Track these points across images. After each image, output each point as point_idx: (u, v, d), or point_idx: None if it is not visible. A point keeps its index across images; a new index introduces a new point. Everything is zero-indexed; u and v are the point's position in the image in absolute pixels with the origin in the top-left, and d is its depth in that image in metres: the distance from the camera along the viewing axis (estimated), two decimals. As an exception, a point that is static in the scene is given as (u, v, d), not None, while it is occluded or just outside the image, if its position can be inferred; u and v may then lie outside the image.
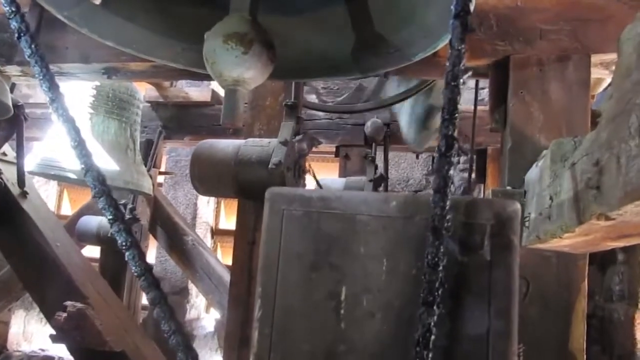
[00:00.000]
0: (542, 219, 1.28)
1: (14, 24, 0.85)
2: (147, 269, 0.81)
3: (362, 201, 0.81)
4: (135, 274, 0.81)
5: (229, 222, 5.67)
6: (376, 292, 0.78)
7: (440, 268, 0.66)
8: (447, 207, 0.67)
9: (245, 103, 2.11)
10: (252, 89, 1.27)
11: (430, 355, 0.65)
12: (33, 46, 0.85)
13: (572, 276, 1.64)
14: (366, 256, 0.79)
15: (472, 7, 0.69)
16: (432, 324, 0.65)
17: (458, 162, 4.55)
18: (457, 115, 0.68)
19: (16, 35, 0.87)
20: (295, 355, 0.78)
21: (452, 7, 0.69)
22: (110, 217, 0.83)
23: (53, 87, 0.85)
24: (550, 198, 1.21)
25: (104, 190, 0.84)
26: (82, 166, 0.84)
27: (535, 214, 1.42)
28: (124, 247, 0.83)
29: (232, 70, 1.18)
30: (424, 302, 0.66)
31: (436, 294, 0.66)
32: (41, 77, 0.86)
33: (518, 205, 0.77)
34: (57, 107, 0.87)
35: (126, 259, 0.82)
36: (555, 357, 1.60)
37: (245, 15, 1.22)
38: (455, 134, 0.68)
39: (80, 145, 0.83)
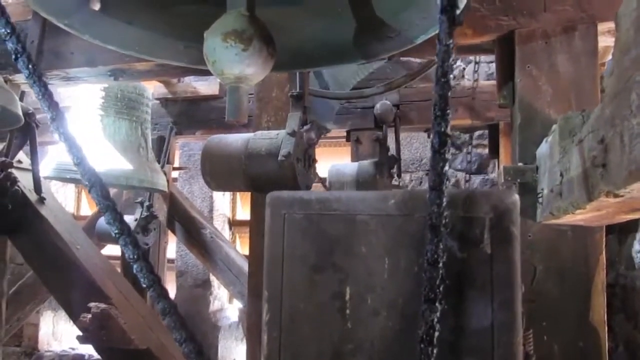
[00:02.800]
0: (554, 196, 1.28)
1: (10, 46, 0.86)
2: (156, 280, 0.82)
3: (360, 201, 0.81)
4: (144, 285, 0.82)
5: (245, 212, 5.70)
6: (380, 290, 0.78)
7: (440, 265, 0.66)
8: (444, 204, 0.67)
9: (251, 94, 2.10)
10: (254, 84, 1.27)
11: (434, 351, 0.65)
12: (30, 66, 0.86)
13: (589, 249, 1.63)
14: (368, 255, 0.79)
15: (461, 3, 0.68)
16: (435, 320, 0.65)
17: (471, 138, 4.53)
18: (449, 111, 0.67)
19: (13, 56, 0.87)
20: (304, 356, 0.78)
21: (438, 1, 0.68)
22: (117, 231, 0.84)
23: (52, 106, 0.86)
24: (561, 174, 1.20)
25: (108, 205, 0.85)
26: (86, 183, 0.85)
27: (548, 190, 1.41)
28: (131, 260, 0.84)
29: (233, 68, 1.18)
30: (425, 299, 0.66)
31: (437, 290, 0.66)
32: (40, 97, 0.87)
33: (516, 196, 0.76)
34: (57, 125, 0.88)
35: (134, 271, 0.83)
36: (577, 331, 1.60)
37: (242, 11, 1.21)
38: (448, 130, 0.67)
39: (82, 163, 0.84)
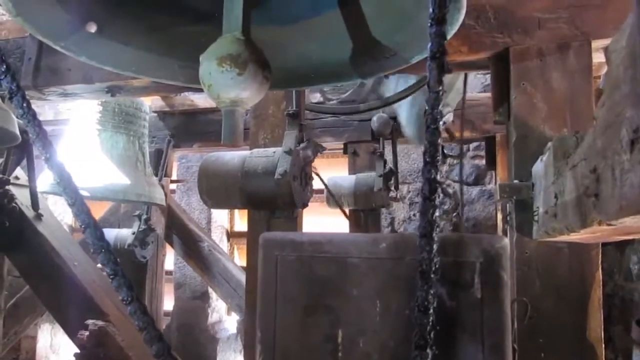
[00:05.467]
0: (549, 217, 1.28)
1: (4, 84, 0.86)
2: (150, 322, 0.82)
3: (352, 244, 0.82)
4: (137, 327, 0.82)
5: (243, 224, 5.70)
6: (371, 333, 0.79)
7: (431, 311, 0.67)
8: (434, 251, 0.67)
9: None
10: (249, 107, 1.28)
11: (425, 396, 0.65)
12: (25, 105, 0.86)
13: (586, 266, 1.63)
14: (359, 298, 0.79)
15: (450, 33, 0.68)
16: None
17: (468, 150, 4.53)
18: (439, 158, 0.68)
19: (8, 96, 0.88)
20: (297, 400, 0.78)
21: (428, 48, 0.69)
22: (111, 272, 0.84)
23: (47, 146, 0.86)
24: (555, 196, 1.20)
25: (102, 246, 0.85)
26: (80, 223, 0.85)
27: (543, 209, 1.42)
28: (125, 302, 0.84)
29: (229, 92, 1.18)
30: (416, 346, 0.66)
31: (428, 337, 0.66)
32: (35, 137, 0.87)
33: (506, 241, 0.77)
34: (52, 165, 0.88)
35: (128, 312, 0.84)
36: (573, 349, 1.60)
37: (238, 35, 1.22)
38: (439, 177, 0.67)
39: (77, 203, 0.84)
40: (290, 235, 0.92)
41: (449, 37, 1.32)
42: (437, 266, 0.68)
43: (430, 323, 0.67)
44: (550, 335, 1.62)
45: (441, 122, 0.66)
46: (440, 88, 0.68)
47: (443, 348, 0.71)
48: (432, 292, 0.67)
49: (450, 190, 4.52)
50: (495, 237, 0.76)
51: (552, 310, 1.63)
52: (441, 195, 0.70)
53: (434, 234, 0.68)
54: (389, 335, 0.77)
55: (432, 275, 0.67)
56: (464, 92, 2.47)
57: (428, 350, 0.66)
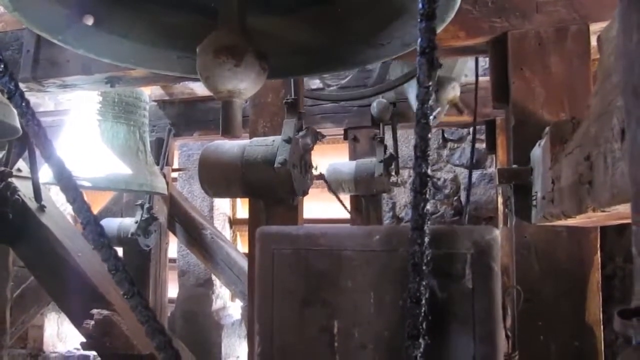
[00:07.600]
0: (547, 202, 1.29)
1: (3, 84, 0.87)
2: (151, 316, 0.84)
3: (346, 237, 0.83)
4: (139, 321, 0.84)
5: (245, 211, 5.71)
6: (366, 324, 0.81)
7: (423, 302, 0.68)
8: (425, 244, 0.69)
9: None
10: (247, 98, 1.28)
11: (419, 384, 0.67)
12: (24, 104, 0.87)
13: (585, 249, 1.64)
14: (354, 290, 0.81)
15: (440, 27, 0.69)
16: (419, 356, 0.68)
17: (468, 134, 4.53)
18: (429, 152, 0.69)
19: (7, 95, 0.88)
20: (295, 389, 0.81)
21: (417, 44, 0.69)
22: (112, 268, 0.85)
23: (46, 144, 0.87)
24: (552, 182, 1.21)
25: (103, 242, 0.86)
26: (81, 220, 0.86)
27: (541, 194, 1.43)
28: (126, 296, 0.85)
29: (226, 83, 1.19)
30: (409, 335, 0.68)
31: (420, 327, 0.68)
32: (34, 135, 0.87)
33: (496, 232, 0.78)
34: (52, 163, 0.89)
35: (129, 306, 0.85)
36: (572, 332, 1.61)
37: (234, 26, 1.22)
38: (429, 171, 0.68)
39: (77, 201, 0.85)
40: (286, 229, 0.94)
41: (445, 24, 1.32)
42: (429, 258, 0.69)
43: (423, 314, 0.69)
44: (550, 318, 1.63)
45: (431, 117, 0.67)
46: (430, 83, 0.69)
47: (435, 338, 0.73)
48: (424, 283, 0.68)
49: (450, 175, 4.52)
50: (486, 229, 0.78)
51: (551, 294, 1.64)
52: (432, 189, 0.71)
53: (425, 227, 0.69)
54: (383, 326, 0.79)
55: (424, 267, 0.68)
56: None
57: (421, 340, 0.68)
